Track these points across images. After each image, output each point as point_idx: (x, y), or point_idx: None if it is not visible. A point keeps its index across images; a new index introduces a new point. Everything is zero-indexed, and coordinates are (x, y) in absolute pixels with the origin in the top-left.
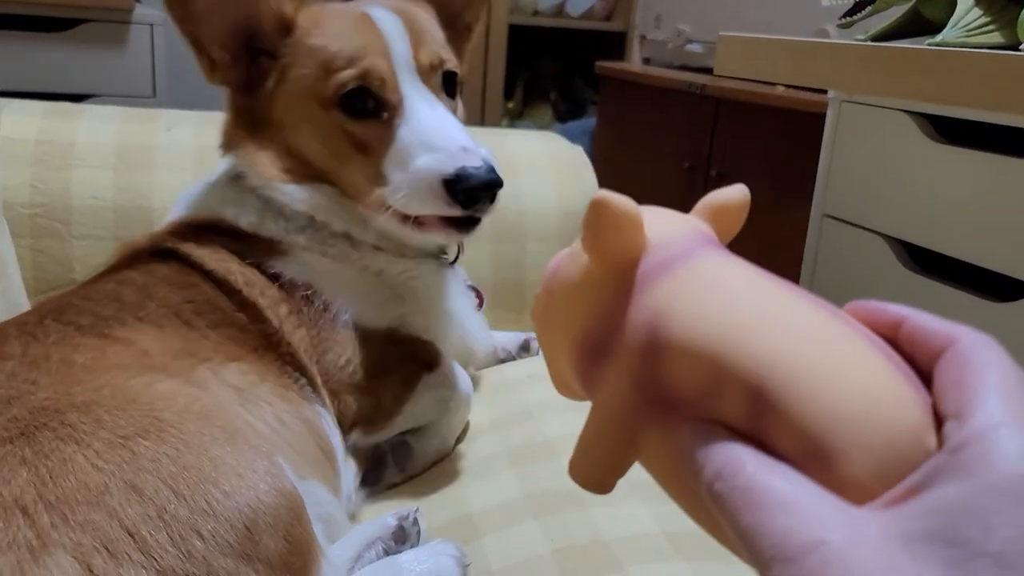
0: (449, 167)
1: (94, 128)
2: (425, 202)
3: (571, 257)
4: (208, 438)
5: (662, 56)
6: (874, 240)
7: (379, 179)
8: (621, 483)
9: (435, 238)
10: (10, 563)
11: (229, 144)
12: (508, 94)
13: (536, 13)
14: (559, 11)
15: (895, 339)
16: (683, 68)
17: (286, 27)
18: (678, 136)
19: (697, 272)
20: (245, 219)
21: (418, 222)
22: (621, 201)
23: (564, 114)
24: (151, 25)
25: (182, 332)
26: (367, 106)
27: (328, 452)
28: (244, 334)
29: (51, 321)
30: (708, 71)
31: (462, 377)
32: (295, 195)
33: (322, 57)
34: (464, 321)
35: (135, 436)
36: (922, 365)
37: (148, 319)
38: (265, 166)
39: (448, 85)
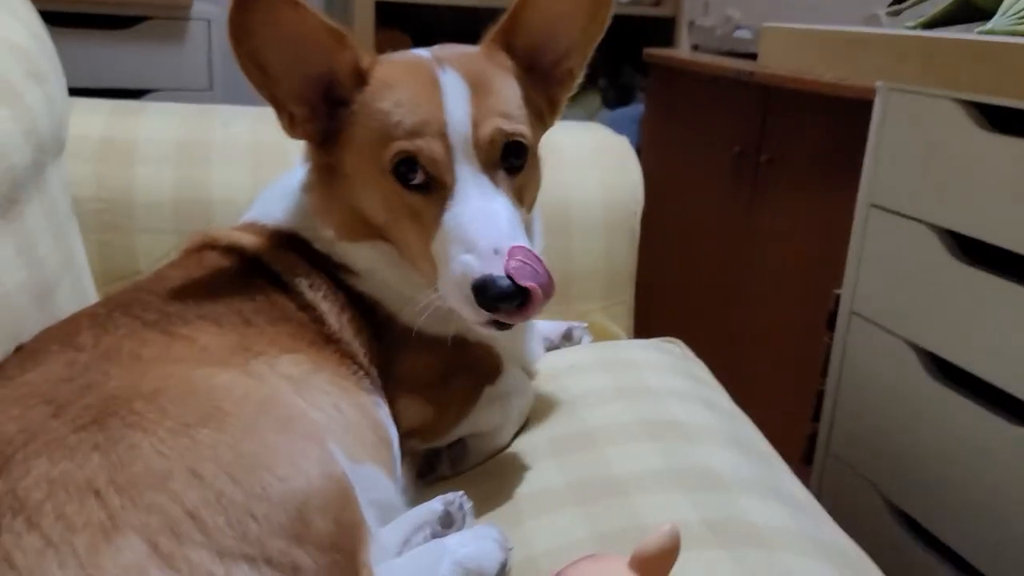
0: (476, 272)
1: (155, 125)
2: (457, 299)
3: None
4: (264, 426)
5: (711, 42)
6: (922, 230)
7: (428, 255)
8: (663, 473)
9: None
10: (85, 542)
11: (306, 185)
12: None
13: None
14: None
15: None
16: (731, 54)
17: (361, 79)
18: (727, 122)
19: None
20: (320, 243)
21: None
22: None
23: (613, 101)
24: (208, 21)
25: (240, 329)
26: (419, 178)
27: (385, 439)
28: (302, 329)
29: (120, 315)
30: (757, 57)
31: (524, 384)
32: (354, 255)
33: (384, 123)
34: (524, 326)
35: (196, 424)
36: None
37: (208, 316)
38: (329, 218)
39: (514, 155)
